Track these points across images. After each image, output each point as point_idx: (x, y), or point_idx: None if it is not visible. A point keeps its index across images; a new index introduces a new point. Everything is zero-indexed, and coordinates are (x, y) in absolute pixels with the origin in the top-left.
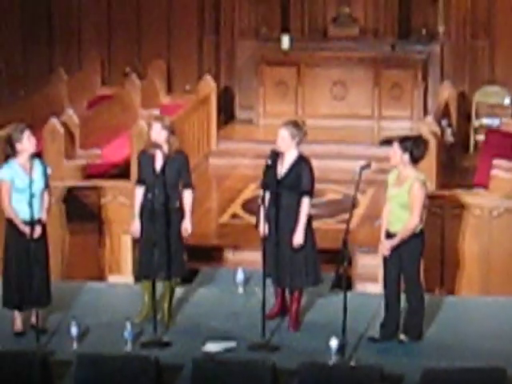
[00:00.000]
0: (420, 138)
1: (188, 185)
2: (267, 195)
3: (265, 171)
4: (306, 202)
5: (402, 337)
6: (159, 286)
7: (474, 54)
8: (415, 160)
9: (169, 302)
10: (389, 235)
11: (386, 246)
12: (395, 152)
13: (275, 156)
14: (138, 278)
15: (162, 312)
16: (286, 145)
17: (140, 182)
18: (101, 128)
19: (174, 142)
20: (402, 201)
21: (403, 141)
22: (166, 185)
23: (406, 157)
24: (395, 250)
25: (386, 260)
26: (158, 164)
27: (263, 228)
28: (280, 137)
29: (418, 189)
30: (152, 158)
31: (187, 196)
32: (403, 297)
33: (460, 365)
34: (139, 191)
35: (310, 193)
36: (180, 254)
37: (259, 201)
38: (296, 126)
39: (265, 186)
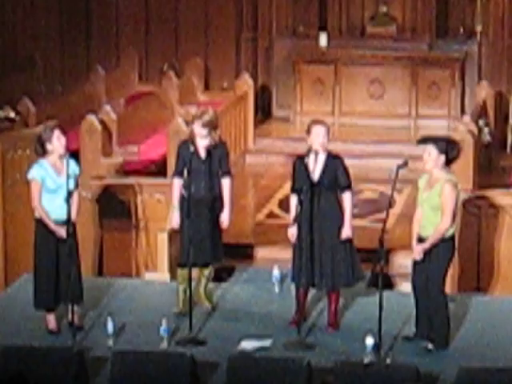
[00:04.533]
0: (453, 140)
1: (227, 173)
2: (296, 199)
3: (294, 175)
4: (348, 196)
5: (429, 346)
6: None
7: None
8: (450, 161)
9: (204, 287)
10: (421, 240)
11: (418, 250)
12: (431, 154)
13: (303, 158)
14: (183, 264)
15: (197, 297)
16: (325, 144)
17: (178, 173)
18: (138, 125)
19: (214, 136)
20: (433, 203)
21: (438, 142)
22: (209, 173)
23: (442, 158)
24: (425, 253)
25: (415, 263)
26: (201, 153)
27: (293, 233)
28: (321, 135)
29: (450, 190)
30: (193, 148)
31: (226, 184)
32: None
33: (496, 365)
34: (178, 182)
35: (350, 187)
36: (220, 239)
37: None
38: (326, 124)
39: (296, 191)
